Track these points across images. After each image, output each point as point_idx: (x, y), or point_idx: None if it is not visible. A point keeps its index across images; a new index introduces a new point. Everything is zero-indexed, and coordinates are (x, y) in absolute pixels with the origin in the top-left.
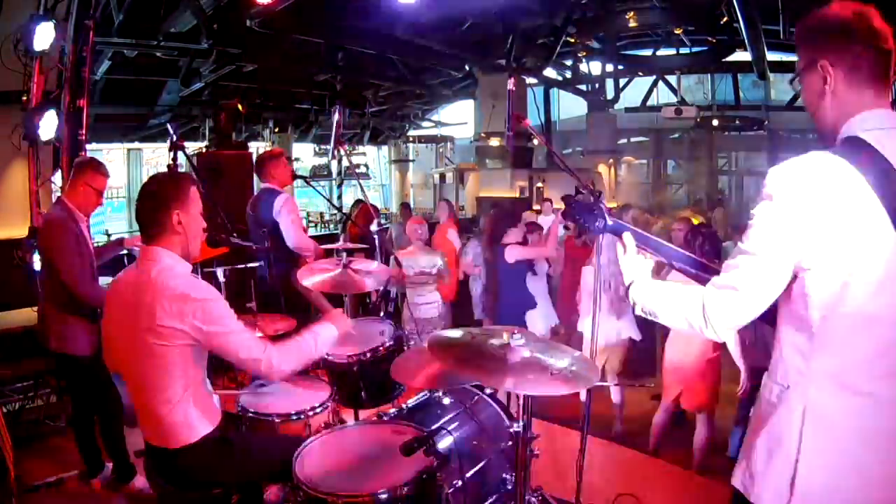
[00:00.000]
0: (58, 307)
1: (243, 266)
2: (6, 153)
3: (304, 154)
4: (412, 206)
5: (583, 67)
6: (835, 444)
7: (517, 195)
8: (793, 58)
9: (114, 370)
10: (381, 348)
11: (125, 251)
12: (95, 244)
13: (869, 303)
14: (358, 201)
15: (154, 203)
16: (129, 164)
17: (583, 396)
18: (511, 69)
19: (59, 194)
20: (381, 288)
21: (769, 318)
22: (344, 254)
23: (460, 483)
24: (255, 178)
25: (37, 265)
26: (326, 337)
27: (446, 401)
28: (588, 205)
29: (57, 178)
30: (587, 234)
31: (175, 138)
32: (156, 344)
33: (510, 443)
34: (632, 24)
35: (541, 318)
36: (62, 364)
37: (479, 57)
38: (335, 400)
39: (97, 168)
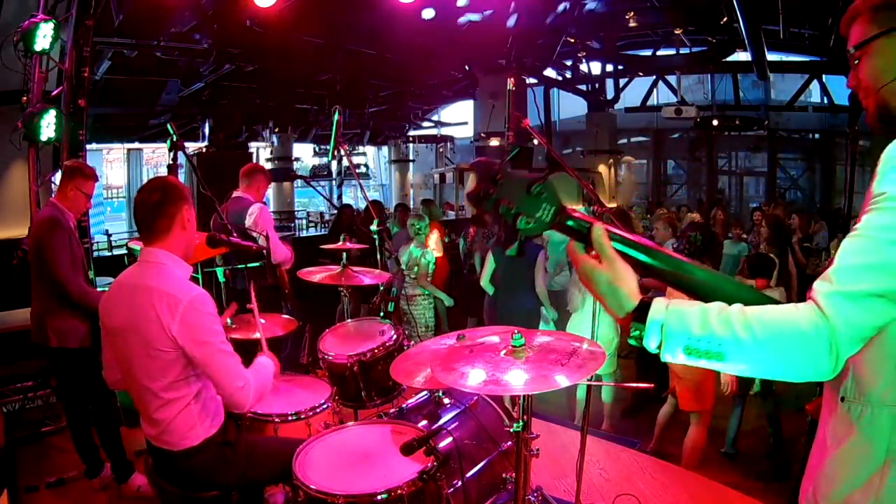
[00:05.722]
0: (54, 304)
1: (244, 266)
2: (6, 153)
3: (304, 154)
4: (411, 206)
5: (583, 67)
6: None
7: None
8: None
9: (113, 380)
10: (380, 348)
11: (125, 251)
12: (95, 244)
13: None
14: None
15: (165, 202)
16: (129, 164)
17: (581, 395)
18: (511, 69)
19: None
20: (382, 288)
21: None
22: (344, 255)
23: (460, 483)
24: None
25: None
26: (271, 371)
27: (446, 401)
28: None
29: (57, 178)
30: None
31: (175, 138)
32: (154, 348)
33: (510, 443)
34: (632, 24)
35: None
36: (63, 360)
37: (480, 57)
38: (335, 400)
39: (87, 174)
